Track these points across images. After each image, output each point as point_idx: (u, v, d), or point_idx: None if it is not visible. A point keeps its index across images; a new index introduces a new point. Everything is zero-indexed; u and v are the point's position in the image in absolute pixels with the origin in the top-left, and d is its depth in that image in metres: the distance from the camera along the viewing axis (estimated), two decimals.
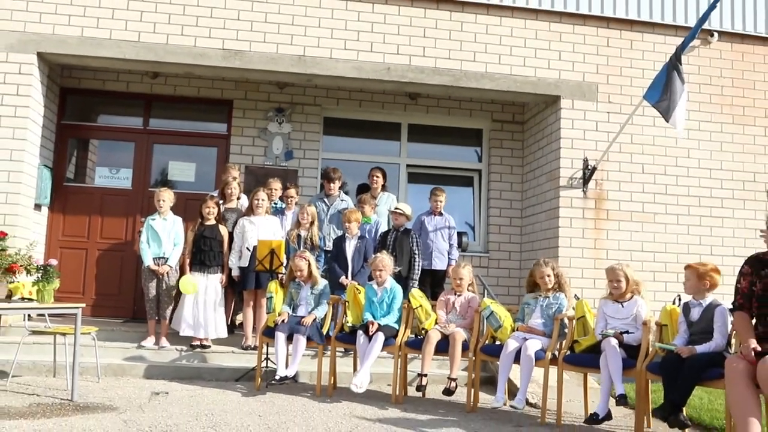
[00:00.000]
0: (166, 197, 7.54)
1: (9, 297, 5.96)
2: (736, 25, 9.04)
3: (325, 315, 6.72)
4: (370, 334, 6.25)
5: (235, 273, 7.55)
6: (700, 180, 8.76)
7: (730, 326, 5.03)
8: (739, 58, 9.05)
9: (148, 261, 7.38)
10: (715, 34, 8.94)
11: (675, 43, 8.13)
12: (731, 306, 4.82)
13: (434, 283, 7.96)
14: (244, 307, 7.62)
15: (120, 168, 9.18)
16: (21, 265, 5.88)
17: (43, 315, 7.00)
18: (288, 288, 6.90)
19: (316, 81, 8.68)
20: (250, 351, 7.34)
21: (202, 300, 7.35)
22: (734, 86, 8.99)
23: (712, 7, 7.38)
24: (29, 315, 7.03)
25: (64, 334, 6.47)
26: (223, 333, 7.49)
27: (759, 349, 4.28)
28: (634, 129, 8.48)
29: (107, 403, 5.65)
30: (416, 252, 7.60)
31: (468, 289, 6.56)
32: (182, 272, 7.46)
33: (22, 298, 6.11)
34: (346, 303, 6.71)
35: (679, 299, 5.60)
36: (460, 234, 8.56)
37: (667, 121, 7.33)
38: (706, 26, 8.35)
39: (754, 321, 4.67)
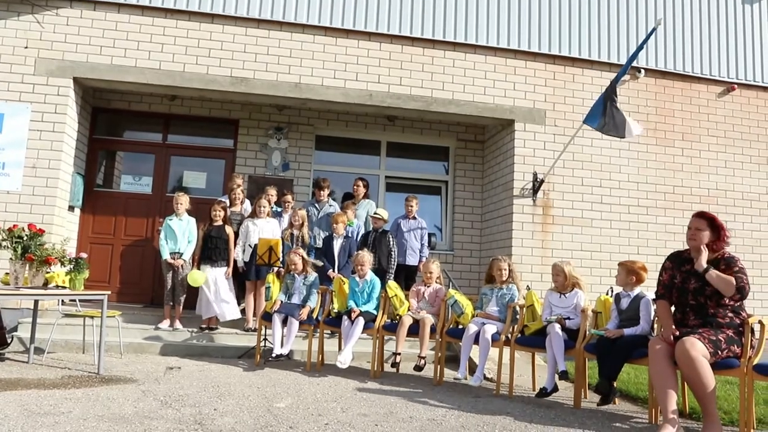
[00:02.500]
0: (184, 201, 7.51)
1: (46, 285, 5.89)
2: (659, 64, 9.13)
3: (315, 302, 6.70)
4: (353, 318, 6.24)
5: (240, 264, 7.50)
6: (629, 192, 8.83)
7: (653, 314, 5.08)
8: (662, 91, 9.14)
9: (165, 255, 7.33)
10: (642, 71, 9.03)
11: (609, 78, 8.22)
12: (655, 295, 4.86)
13: (408, 276, 7.93)
14: (246, 295, 7.56)
15: (142, 176, 9.08)
16: (56, 258, 5.81)
17: (74, 300, 6.92)
18: (284, 279, 6.87)
19: (309, 104, 8.64)
20: (250, 332, 7.29)
21: (214, 289, 7.31)
22: (657, 114, 9.07)
23: (639, 48, 7.45)
24: (63, 300, 6.93)
25: (92, 317, 6.41)
26: (236, 315, 7.44)
27: (677, 333, 4.33)
28: (575, 149, 8.54)
29: (128, 376, 5.59)
30: (393, 250, 7.59)
31: (436, 282, 6.56)
32: (192, 268, 7.41)
33: (57, 286, 6.04)
34: (333, 292, 6.69)
35: (612, 291, 5.64)
36: (429, 235, 8.56)
37: (623, 137, 7.38)
38: (635, 64, 8.45)
39: (673, 308, 4.72)
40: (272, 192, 8.02)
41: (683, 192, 9.00)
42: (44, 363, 6.04)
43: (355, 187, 8.49)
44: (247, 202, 8.06)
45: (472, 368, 5.95)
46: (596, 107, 7.47)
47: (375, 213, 7.78)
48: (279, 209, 8.09)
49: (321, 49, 8.26)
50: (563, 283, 5.71)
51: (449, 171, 9.93)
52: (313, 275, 6.81)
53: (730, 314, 4.43)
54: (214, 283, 7.31)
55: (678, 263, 4.69)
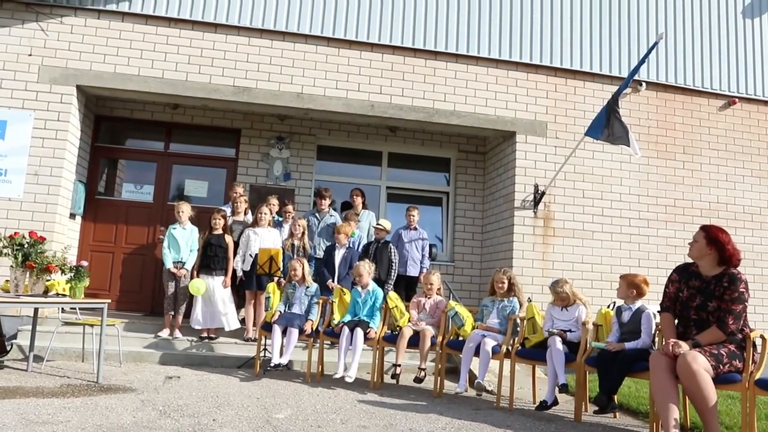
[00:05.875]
0: (185, 209, 7.49)
1: (46, 293, 5.87)
2: (660, 77, 9.15)
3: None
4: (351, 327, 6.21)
5: (239, 274, 7.48)
6: (630, 204, 8.82)
7: (654, 327, 5.07)
8: (663, 104, 9.16)
9: (168, 264, 7.31)
10: (644, 84, 9.05)
11: (611, 90, 8.24)
12: (659, 307, 4.83)
13: (408, 287, 7.92)
14: (246, 304, 7.54)
15: (144, 184, 9.08)
16: (56, 266, 5.80)
17: (74, 308, 6.91)
18: (285, 289, 6.86)
19: (311, 114, 8.66)
20: (250, 342, 7.27)
21: (211, 298, 7.29)
22: (658, 127, 9.09)
23: (641, 62, 7.48)
24: (63, 308, 6.93)
25: (92, 325, 6.40)
26: (235, 325, 7.42)
27: (684, 350, 4.26)
28: (576, 161, 8.56)
29: (127, 385, 5.56)
30: (393, 261, 7.58)
31: (437, 293, 6.55)
32: (192, 277, 7.39)
33: (57, 294, 6.01)
34: (333, 303, 6.68)
35: (614, 304, 5.62)
36: (430, 246, 8.55)
37: (628, 146, 7.30)
38: (636, 77, 8.46)
39: (676, 321, 4.70)
40: (274, 201, 8.02)
41: (684, 205, 9.00)
42: (43, 371, 6.02)
43: (354, 197, 8.48)
44: (250, 212, 8.06)
45: (472, 381, 5.92)
46: (598, 119, 7.49)
47: (378, 224, 7.78)
48: (279, 219, 8.08)
49: (323, 60, 8.28)
50: (568, 299, 5.71)
51: (450, 182, 9.93)
52: (314, 285, 6.80)
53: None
54: (212, 293, 7.29)
55: (685, 277, 4.67)
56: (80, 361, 6.65)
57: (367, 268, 6.64)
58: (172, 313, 7.33)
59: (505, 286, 6.12)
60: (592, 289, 8.16)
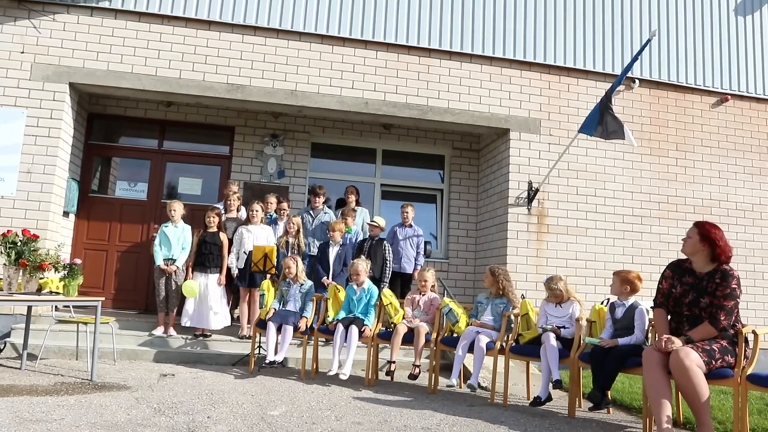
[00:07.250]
0: (177, 207, 7.48)
1: (39, 291, 5.86)
2: (653, 74, 9.18)
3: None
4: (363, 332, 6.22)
5: (234, 271, 7.46)
6: (624, 201, 8.86)
7: (647, 323, 5.09)
8: (656, 101, 9.19)
9: (159, 261, 7.30)
10: (637, 81, 9.08)
11: (604, 88, 8.25)
12: (652, 303, 4.85)
13: (403, 283, 7.93)
14: (240, 302, 7.53)
15: (137, 182, 9.06)
16: (50, 264, 5.78)
17: (68, 306, 6.90)
18: (279, 286, 6.86)
19: (305, 112, 8.65)
20: (245, 340, 7.26)
21: (204, 296, 7.27)
22: (651, 124, 9.12)
23: (634, 59, 7.50)
24: (56, 306, 6.91)
25: (86, 323, 6.38)
26: (226, 322, 7.41)
27: (676, 346, 4.28)
28: (570, 158, 8.58)
29: (122, 383, 5.55)
30: (388, 258, 7.58)
31: (431, 290, 6.56)
32: (186, 275, 7.37)
33: (51, 292, 6.00)
34: (328, 300, 6.67)
35: (608, 300, 5.64)
36: (425, 243, 8.56)
37: (623, 139, 7.32)
38: (629, 74, 8.49)
39: (669, 317, 4.72)
40: (272, 200, 8.03)
41: (677, 201, 9.03)
42: (37, 369, 6.00)
43: (349, 195, 8.48)
44: (243, 209, 8.05)
45: (466, 376, 5.94)
46: (592, 116, 7.50)
47: (372, 221, 7.79)
48: (274, 216, 8.07)
49: (317, 57, 8.28)
50: (561, 295, 5.72)
51: (444, 179, 9.93)
52: (308, 283, 6.80)
53: None
54: (205, 292, 7.27)
55: (679, 273, 4.69)
56: (74, 359, 6.63)
57: (364, 267, 6.63)
58: (166, 310, 7.31)
59: (489, 280, 6.16)
60: (585, 286, 8.20)
